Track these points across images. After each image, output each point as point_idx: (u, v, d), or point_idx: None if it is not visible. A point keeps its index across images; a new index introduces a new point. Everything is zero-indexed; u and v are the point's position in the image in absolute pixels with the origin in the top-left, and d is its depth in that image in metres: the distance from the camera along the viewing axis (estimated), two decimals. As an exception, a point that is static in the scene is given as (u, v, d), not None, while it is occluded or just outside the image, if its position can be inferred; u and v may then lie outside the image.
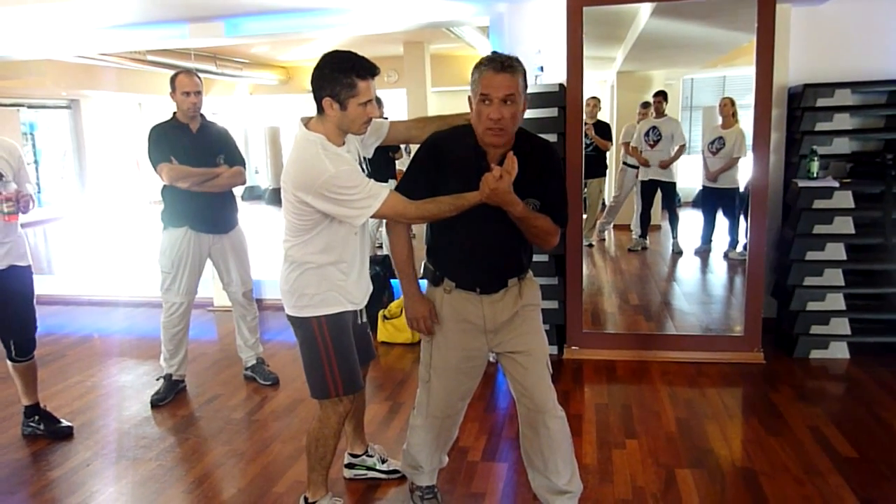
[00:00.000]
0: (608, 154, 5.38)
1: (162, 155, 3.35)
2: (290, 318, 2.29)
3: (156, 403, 3.52)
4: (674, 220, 5.37)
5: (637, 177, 5.26)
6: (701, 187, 5.03)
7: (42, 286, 3.40)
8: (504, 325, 2.21)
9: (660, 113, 5.09)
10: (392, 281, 4.77)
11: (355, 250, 2.26)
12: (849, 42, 4.09)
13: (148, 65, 8.06)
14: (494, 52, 2.03)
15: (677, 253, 5.39)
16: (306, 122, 2.15)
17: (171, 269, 3.50)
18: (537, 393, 2.20)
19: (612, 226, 5.71)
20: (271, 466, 2.86)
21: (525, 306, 2.22)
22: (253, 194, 13.13)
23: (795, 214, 3.95)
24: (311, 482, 2.40)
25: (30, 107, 11.23)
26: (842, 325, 3.89)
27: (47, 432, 3.17)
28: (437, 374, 2.28)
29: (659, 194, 5.27)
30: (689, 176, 5.23)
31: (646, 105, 5.19)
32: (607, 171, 5.50)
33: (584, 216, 4.28)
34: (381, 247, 5.66)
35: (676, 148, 5.09)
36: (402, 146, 5.61)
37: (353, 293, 2.29)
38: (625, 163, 5.34)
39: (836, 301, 3.89)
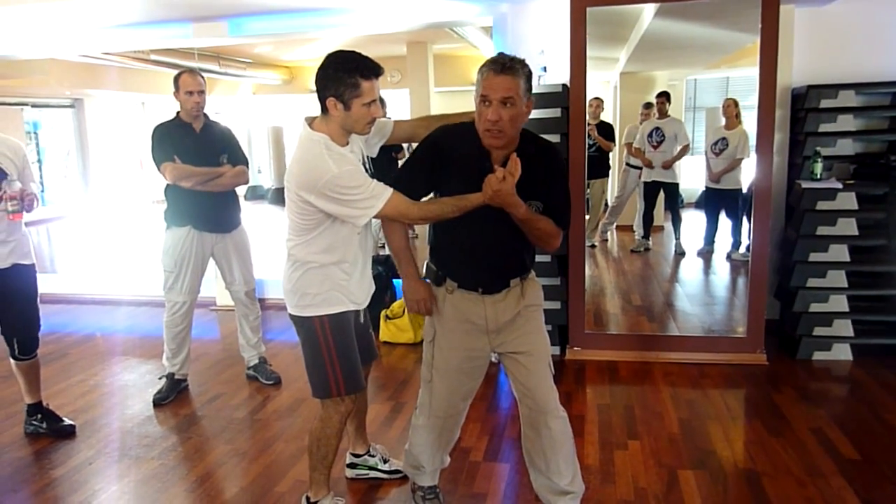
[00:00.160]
0: (611, 155, 5.37)
1: (165, 154, 3.35)
2: (292, 317, 2.30)
3: (158, 402, 3.52)
4: (676, 221, 5.36)
5: (640, 177, 5.25)
6: (704, 188, 5.03)
7: (45, 285, 3.41)
8: (506, 326, 2.20)
9: (663, 114, 5.08)
10: (394, 281, 4.77)
11: (358, 250, 2.26)
12: (853, 43, 4.08)
13: (151, 64, 8.08)
14: (500, 53, 2.00)
15: (680, 254, 5.38)
16: (310, 121, 2.15)
17: (173, 268, 3.50)
18: (539, 393, 2.20)
19: (614, 226, 5.70)
20: (273, 466, 2.86)
21: (527, 306, 2.22)
22: (255, 194, 13.13)
23: (799, 216, 3.94)
24: (312, 482, 2.40)
25: (33, 106, 11.25)
26: (845, 327, 3.88)
27: (50, 431, 3.18)
28: (439, 375, 2.28)
29: (662, 195, 5.26)
30: (691, 177, 5.23)
31: (648, 106, 5.18)
32: (610, 172, 5.50)
33: (587, 217, 4.28)
34: (383, 247, 5.66)
35: (680, 149, 5.08)
36: (405, 146, 5.61)
37: (356, 293, 2.29)
38: (628, 163, 5.34)
39: (840, 303, 3.88)
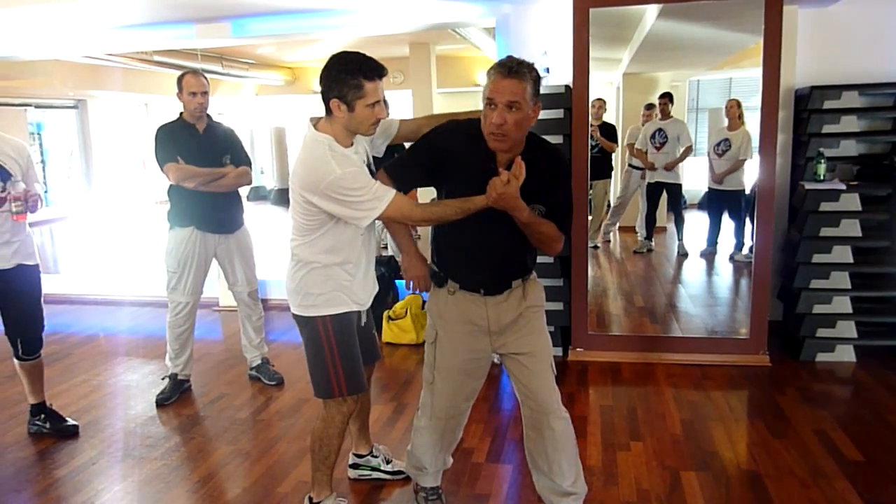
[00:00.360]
0: (613, 155, 5.37)
1: (168, 155, 3.36)
2: (295, 316, 2.30)
3: (161, 403, 3.53)
4: (679, 222, 5.35)
5: (643, 178, 5.25)
6: (707, 189, 5.02)
7: (49, 285, 3.42)
8: (508, 327, 2.20)
9: (665, 115, 5.07)
10: (397, 282, 4.77)
11: (361, 251, 2.26)
12: (856, 44, 4.08)
13: (154, 65, 8.09)
14: (508, 57, 1.99)
15: (683, 255, 5.37)
16: (315, 122, 2.15)
17: (176, 268, 3.51)
18: (541, 394, 2.20)
19: (617, 227, 5.69)
20: (276, 466, 2.87)
21: (529, 307, 2.22)
22: (258, 195, 13.15)
23: (802, 217, 3.94)
24: (315, 482, 2.40)
25: (37, 107, 11.27)
26: (848, 329, 3.87)
27: (53, 431, 3.19)
28: (441, 376, 2.28)
29: (664, 196, 5.25)
30: (694, 178, 5.22)
31: (649, 107, 5.17)
32: (613, 173, 5.49)
33: (590, 218, 4.28)
34: (386, 247, 5.66)
35: (683, 150, 5.07)
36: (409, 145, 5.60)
37: (359, 294, 2.29)
38: (630, 164, 5.33)
39: (843, 304, 3.87)
